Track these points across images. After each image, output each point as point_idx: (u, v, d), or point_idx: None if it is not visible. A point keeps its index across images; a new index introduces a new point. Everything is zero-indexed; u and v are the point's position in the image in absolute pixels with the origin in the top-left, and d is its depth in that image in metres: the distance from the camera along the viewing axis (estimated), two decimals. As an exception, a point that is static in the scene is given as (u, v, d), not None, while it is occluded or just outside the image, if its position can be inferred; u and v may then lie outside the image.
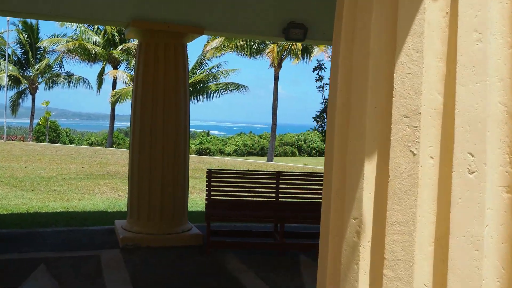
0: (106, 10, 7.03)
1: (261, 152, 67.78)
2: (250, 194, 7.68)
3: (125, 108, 49.03)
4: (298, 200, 7.76)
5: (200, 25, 7.30)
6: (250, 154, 65.14)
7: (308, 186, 7.82)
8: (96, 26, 35.00)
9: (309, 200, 7.61)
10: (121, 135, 47.70)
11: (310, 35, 7.57)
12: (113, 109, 37.72)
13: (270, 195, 7.59)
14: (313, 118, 42.62)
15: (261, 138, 69.67)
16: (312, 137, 71.86)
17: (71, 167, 17.90)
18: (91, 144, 42.25)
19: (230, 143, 59.89)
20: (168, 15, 7.07)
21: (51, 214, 9.58)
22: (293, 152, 69.25)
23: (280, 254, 7.08)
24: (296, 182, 7.90)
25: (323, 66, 43.09)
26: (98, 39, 35.64)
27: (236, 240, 7.49)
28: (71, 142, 44.44)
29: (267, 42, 30.41)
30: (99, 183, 14.31)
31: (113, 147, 36.09)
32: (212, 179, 7.48)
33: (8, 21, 33.63)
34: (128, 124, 11.21)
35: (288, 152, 68.04)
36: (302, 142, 70.74)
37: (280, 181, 7.61)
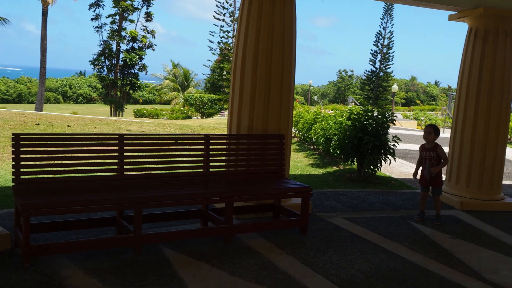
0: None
1: (18, 99, 59.57)
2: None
3: None
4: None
5: None
6: (5, 101, 56.56)
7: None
8: None
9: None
10: None
11: None
12: None
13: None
14: (90, 61, 37.48)
15: (17, 83, 61.10)
16: (78, 83, 66.12)
17: None
18: None
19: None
20: None
21: None
22: (56, 98, 62.64)
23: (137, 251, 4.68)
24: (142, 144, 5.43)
25: (100, 3, 37.91)
26: None
27: (75, 240, 4.77)
28: None
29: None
30: None
31: None
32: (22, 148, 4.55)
33: None
34: None
35: (51, 98, 61.25)
36: (67, 88, 64.60)
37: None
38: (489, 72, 7.27)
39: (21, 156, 4.52)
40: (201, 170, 5.40)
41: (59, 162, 4.77)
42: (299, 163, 10.93)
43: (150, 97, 63.63)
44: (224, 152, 5.71)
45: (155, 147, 5.22)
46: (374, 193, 7.96)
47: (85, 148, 4.86)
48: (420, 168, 6.52)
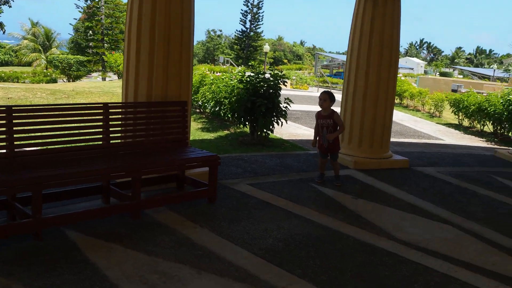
0: None
1: None
2: None
3: None
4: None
5: None
6: None
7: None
8: None
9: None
10: None
11: None
12: None
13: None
14: None
15: None
16: None
17: None
18: None
19: None
20: None
21: None
22: None
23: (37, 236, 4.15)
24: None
25: None
26: None
27: None
28: None
29: None
30: None
31: None
32: None
33: None
34: None
35: None
36: None
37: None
38: (379, 35, 7.55)
39: None
40: (101, 142, 4.89)
41: None
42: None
43: (7, 59, 57.60)
44: (124, 122, 5.23)
45: (49, 119, 4.57)
46: (271, 156, 7.99)
47: None
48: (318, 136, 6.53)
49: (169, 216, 4.82)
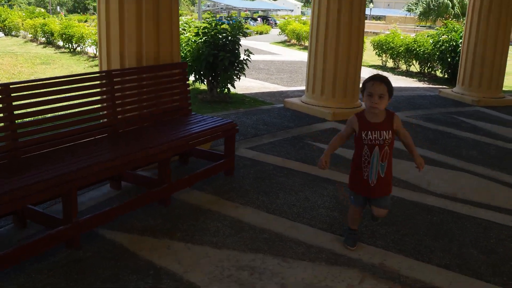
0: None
1: None
2: None
3: None
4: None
5: None
6: None
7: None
8: None
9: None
10: None
11: None
12: None
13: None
14: None
15: None
16: None
17: None
18: None
19: None
20: None
21: None
22: None
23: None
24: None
25: None
26: None
27: None
28: None
29: None
30: None
31: None
32: None
33: None
34: None
35: None
36: None
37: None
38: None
39: None
40: (106, 119, 4.10)
41: None
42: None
43: None
44: (129, 93, 4.41)
45: (46, 98, 3.66)
46: (243, 114, 7.50)
47: None
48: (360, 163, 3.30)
49: (198, 196, 4.25)
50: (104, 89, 4.11)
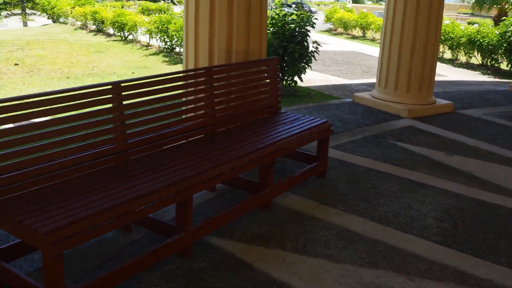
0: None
1: None
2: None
3: None
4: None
5: None
6: None
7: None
8: None
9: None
10: None
11: None
12: None
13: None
14: None
15: None
16: None
17: None
18: None
19: None
20: None
21: None
22: None
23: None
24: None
25: None
26: None
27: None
28: None
29: None
30: None
31: None
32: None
33: None
34: None
35: None
36: None
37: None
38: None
39: None
40: (203, 119, 3.93)
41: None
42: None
43: None
44: (226, 91, 4.22)
45: (154, 96, 3.51)
46: (314, 109, 7.26)
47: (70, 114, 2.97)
48: None
49: (295, 200, 4.06)
50: (203, 86, 3.94)
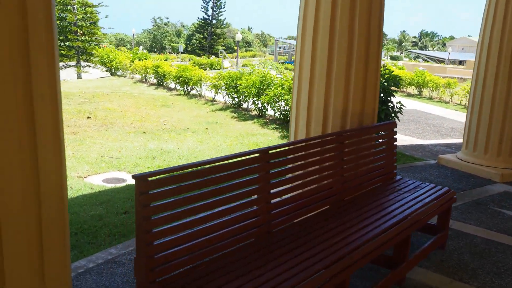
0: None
1: None
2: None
3: None
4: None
5: None
6: None
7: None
8: None
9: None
10: None
11: None
12: None
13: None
14: None
15: None
16: None
17: None
18: None
19: None
20: None
21: None
22: None
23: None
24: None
25: None
26: None
27: None
28: None
29: None
30: None
31: None
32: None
33: None
34: None
35: None
36: None
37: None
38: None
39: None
40: (332, 187, 3.84)
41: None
42: (268, 136, 9.57)
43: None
44: (348, 159, 4.15)
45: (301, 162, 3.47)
46: (402, 171, 7.10)
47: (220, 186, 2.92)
48: None
49: (426, 275, 3.88)
50: (333, 153, 3.88)
